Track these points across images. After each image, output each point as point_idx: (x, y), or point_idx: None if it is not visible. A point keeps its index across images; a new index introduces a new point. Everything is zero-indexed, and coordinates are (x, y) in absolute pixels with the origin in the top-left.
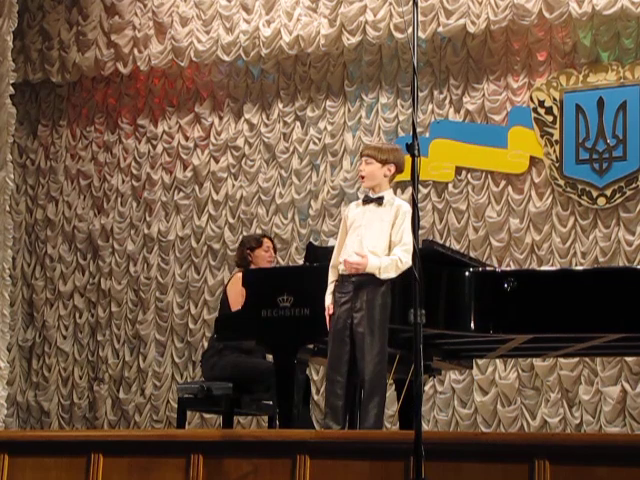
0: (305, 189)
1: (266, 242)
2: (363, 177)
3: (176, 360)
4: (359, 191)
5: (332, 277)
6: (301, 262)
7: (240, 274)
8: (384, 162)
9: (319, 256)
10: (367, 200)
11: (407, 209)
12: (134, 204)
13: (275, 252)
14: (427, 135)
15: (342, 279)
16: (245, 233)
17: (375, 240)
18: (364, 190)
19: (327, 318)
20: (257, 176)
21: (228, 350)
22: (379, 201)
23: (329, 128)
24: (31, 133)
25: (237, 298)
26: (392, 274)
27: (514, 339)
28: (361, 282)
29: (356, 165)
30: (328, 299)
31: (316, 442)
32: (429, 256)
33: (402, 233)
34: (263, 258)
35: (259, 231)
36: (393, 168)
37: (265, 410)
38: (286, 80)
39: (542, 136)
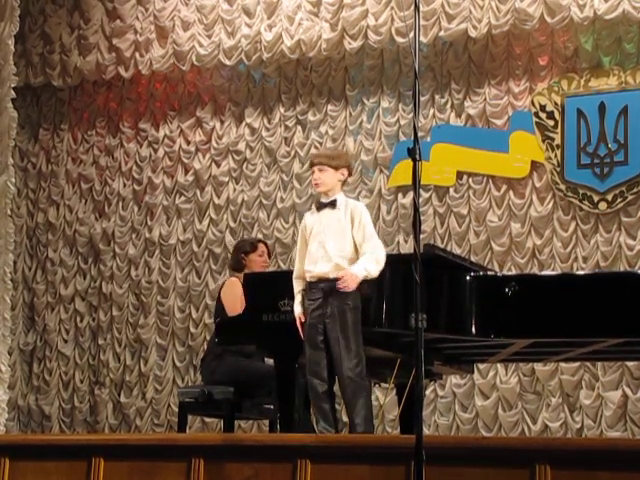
0: (306, 193)
1: (261, 247)
2: (317, 184)
3: (177, 364)
4: (360, 195)
5: (298, 287)
6: None
7: (234, 279)
8: (336, 167)
9: None
10: (321, 206)
11: (361, 207)
12: (135, 208)
13: (270, 257)
14: (428, 139)
15: (310, 286)
16: (246, 237)
17: (338, 243)
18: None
19: (299, 327)
20: (258, 180)
21: (228, 354)
22: (332, 205)
23: (330, 132)
24: (32, 137)
25: (234, 303)
26: (376, 267)
27: (515, 343)
28: (330, 288)
29: (357, 169)
30: (297, 309)
31: (317, 446)
32: (430, 260)
33: (363, 230)
34: (257, 263)
35: (260, 235)
36: (346, 172)
37: (266, 414)
38: (287, 84)
39: (543, 141)
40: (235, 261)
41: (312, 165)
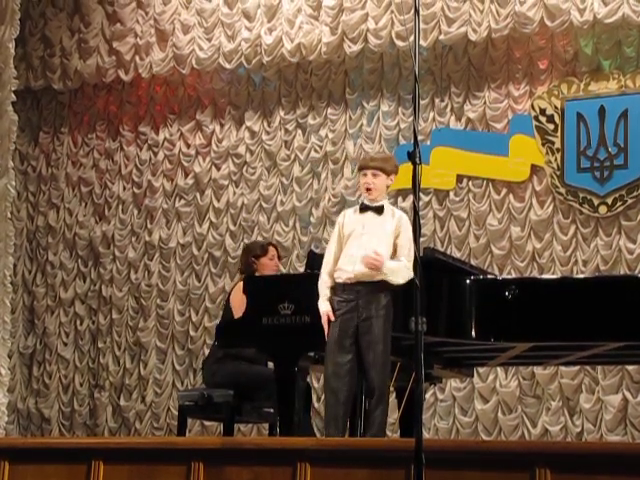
0: (306, 197)
1: (271, 250)
2: (370, 190)
3: (177, 367)
4: (360, 199)
5: (328, 284)
6: (302, 270)
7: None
8: (389, 173)
9: (320, 264)
10: (365, 208)
11: (407, 220)
12: (135, 211)
13: (280, 260)
14: (428, 143)
15: (344, 287)
16: (246, 240)
17: (381, 248)
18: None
19: (325, 325)
20: (258, 184)
21: (229, 357)
22: (379, 210)
23: (330, 136)
24: (32, 140)
25: (240, 305)
26: (401, 280)
27: (515, 347)
28: (366, 291)
29: (356, 172)
30: (324, 305)
31: (317, 450)
32: (430, 264)
33: (409, 245)
34: (268, 266)
35: (260, 239)
36: (394, 178)
37: (266, 418)
38: (287, 88)
39: (543, 144)
40: (245, 264)
41: (364, 168)
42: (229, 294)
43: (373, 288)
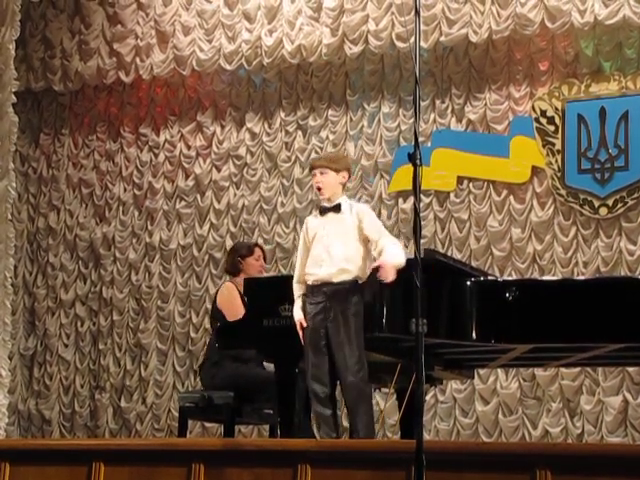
0: (307, 198)
1: (257, 251)
2: (320, 189)
3: (177, 369)
4: (360, 201)
5: (299, 292)
6: None
7: (229, 284)
8: (337, 170)
9: None
10: (324, 210)
11: (366, 208)
12: (136, 213)
13: (266, 261)
14: (429, 144)
15: (312, 290)
16: (243, 241)
17: (343, 247)
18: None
19: (300, 332)
20: (259, 185)
21: (226, 361)
22: (337, 209)
23: (331, 137)
24: (33, 141)
25: (232, 308)
26: (402, 255)
27: (516, 349)
28: (333, 291)
29: (358, 174)
30: (297, 313)
31: (317, 451)
32: (431, 266)
33: (376, 227)
34: (254, 267)
35: (260, 240)
36: (347, 175)
37: (266, 419)
38: (288, 89)
39: (544, 146)
40: (231, 264)
41: (312, 168)
42: (215, 297)
43: (339, 288)
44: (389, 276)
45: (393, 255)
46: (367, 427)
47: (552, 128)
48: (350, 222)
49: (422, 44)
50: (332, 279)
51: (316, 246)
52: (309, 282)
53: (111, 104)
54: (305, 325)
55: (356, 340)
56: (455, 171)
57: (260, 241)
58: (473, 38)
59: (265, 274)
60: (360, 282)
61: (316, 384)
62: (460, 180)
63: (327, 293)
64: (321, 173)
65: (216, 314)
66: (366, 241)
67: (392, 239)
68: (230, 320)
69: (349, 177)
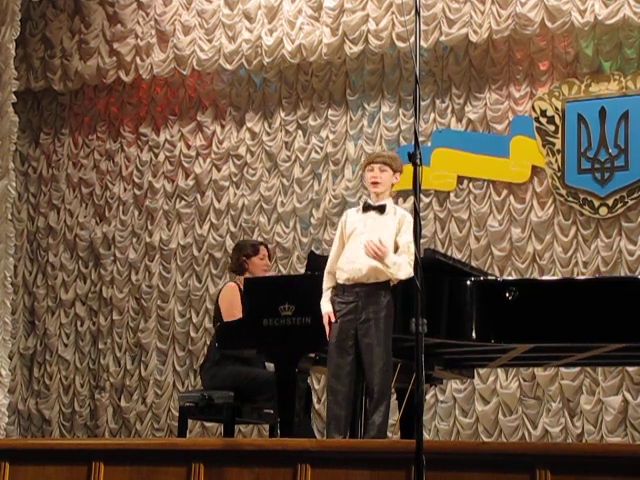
0: (307, 198)
1: (262, 250)
2: (377, 183)
3: (177, 368)
4: (360, 200)
5: (329, 283)
6: (302, 271)
7: (232, 284)
8: (395, 171)
9: (320, 265)
10: (368, 207)
11: (410, 219)
12: (136, 212)
13: (271, 260)
14: (429, 144)
15: (343, 289)
16: (247, 239)
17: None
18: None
19: (327, 326)
20: (259, 185)
21: (227, 360)
22: (381, 209)
23: (331, 137)
24: (33, 141)
25: (230, 308)
26: (402, 275)
27: (515, 348)
28: (366, 293)
29: (358, 174)
30: (326, 306)
31: (317, 451)
32: (431, 265)
33: (409, 243)
34: (259, 266)
35: (260, 240)
36: (399, 177)
37: (266, 419)
38: (288, 89)
39: (544, 145)
40: (236, 264)
41: (371, 163)
42: (217, 297)
43: (372, 289)
44: (371, 252)
45: (397, 261)
46: (380, 430)
47: (552, 128)
48: (392, 225)
49: (422, 44)
50: (366, 279)
51: (353, 242)
52: (340, 281)
53: (111, 104)
54: (334, 320)
55: (386, 343)
56: (455, 171)
57: (260, 240)
58: (473, 38)
59: (270, 273)
60: (392, 284)
61: (337, 383)
62: (460, 180)
63: (359, 293)
64: (381, 169)
65: (217, 313)
66: (396, 246)
67: (409, 258)
68: (226, 320)
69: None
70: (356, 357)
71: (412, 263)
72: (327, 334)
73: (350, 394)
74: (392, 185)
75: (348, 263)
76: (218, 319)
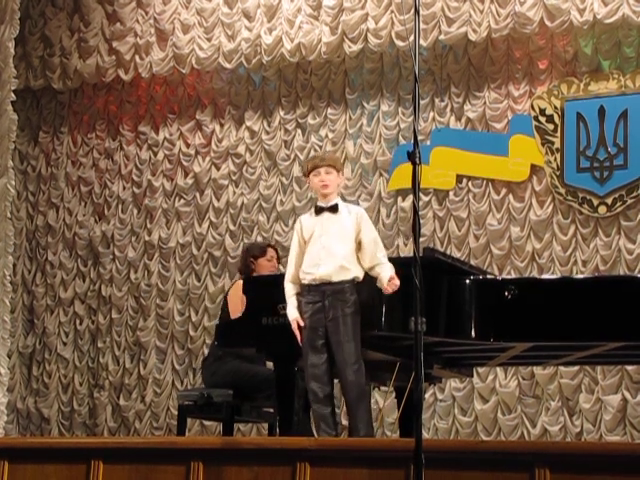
0: (306, 196)
1: (270, 251)
2: (327, 186)
3: (176, 367)
4: (359, 199)
5: (293, 291)
6: None
7: (240, 282)
8: (339, 171)
9: None
10: (321, 210)
11: (366, 215)
12: (135, 211)
13: (279, 262)
14: (428, 143)
15: (309, 289)
16: (246, 240)
17: (342, 246)
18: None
19: (296, 332)
20: (258, 183)
21: (229, 357)
22: (334, 209)
23: (330, 136)
24: (32, 140)
25: (237, 306)
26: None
27: (514, 347)
28: (332, 291)
29: (357, 172)
30: (293, 312)
31: (316, 450)
32: (430, 264)
33: (374, 237)
34: (266, 267)
35: (260, 239)
36: (343, 176)
37: (265, 417)
38: (287, 87)
39: (543, 144)
40: (244, 265)
41: (317, 167)
42: (226, 294)
43: (338, 288)
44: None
45: (391, 268)
46: (367, 425)
47: (551, 127)
48: (348, 223)
49: (421, 42)
50: (331, 278)
51: (314, 245)
52: (305, 282)
53: (110, 102)
54: (302, 324)
55: (355, 339)
56: (454, 169)
57: (259, 239)
58: (472, 37)
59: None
60: (357, 281)
61: (315, 383)
62: (459, 178)
63: (326, 292)
64: (327, 172)
65: (225, 309)
66: (360, 245)
67: (383, 255)
68: (233, 317)
69: None
70: (327, 355)
71: (386, 256)
72: (299, 340)
73: (330, 390)
74: (338, 185)
75: (313, 266)
76: (222, 316)
